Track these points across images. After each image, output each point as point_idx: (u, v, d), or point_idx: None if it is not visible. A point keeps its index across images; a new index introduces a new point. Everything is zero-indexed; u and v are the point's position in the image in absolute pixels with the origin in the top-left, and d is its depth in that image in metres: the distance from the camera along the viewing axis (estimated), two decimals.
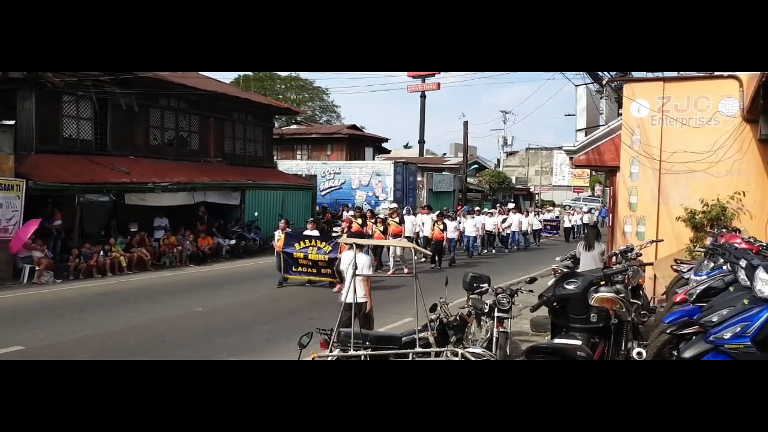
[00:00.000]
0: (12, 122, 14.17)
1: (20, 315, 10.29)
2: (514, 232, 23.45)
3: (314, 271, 12.91)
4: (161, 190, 17.25)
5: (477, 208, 23.68)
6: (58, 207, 15.27)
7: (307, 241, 13.02)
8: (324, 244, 12.76)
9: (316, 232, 13.77)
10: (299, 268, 13.07)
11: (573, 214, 31.17)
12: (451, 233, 18.89)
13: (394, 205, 18.97)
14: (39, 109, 15.70)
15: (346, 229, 13.30)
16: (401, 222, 17.12)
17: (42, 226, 14.27)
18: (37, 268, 13.62)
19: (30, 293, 12.38)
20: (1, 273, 13.51)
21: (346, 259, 7.96)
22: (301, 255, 12.85)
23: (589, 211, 34.27)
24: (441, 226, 17.48)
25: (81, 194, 15.04)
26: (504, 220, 23.04)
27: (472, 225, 20.38)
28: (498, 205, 29.55)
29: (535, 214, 27.91)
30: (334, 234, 14.29)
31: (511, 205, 27.93)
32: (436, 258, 16.99)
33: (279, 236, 13.67)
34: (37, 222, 13.96)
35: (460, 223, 20.22)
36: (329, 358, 5.58)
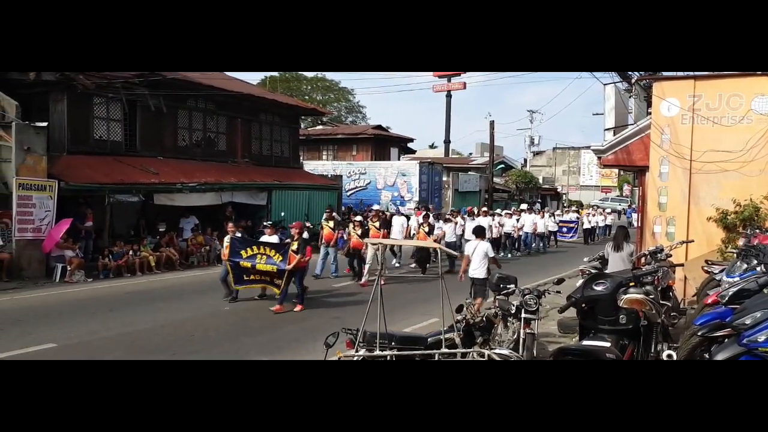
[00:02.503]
0: (45, 124, 14.45)
1: (53, 313, 10.49)
2: (527, 233, 22.11)
3: (267, 279, 11.17)
4: (189, 191, 17.45)
5: (484, 209, 21.99)
6: (89, 207, 15.54)
7: (255, 247, 11.28)
8: (274, 252, 11.04)
9: (274, 239, 11.92)
10: (251, 276, 11.26)
11: (594, 215, 29.38)
12: (449, 237, 17.20)
13: (377, 207, 17.00)
14: (71, 111, 15.99)
15: (296, 236, 11.36)
16: (384, 226, 15.52)
17: (73, 226, 14.54)
18: (68, 267, 13.88)
19: (62, 292, 12.61)
20: (35, 272, 13.80)
21: (470, 246, 10.16)
22: (249, 264, 11.05)
23: (614, 212, 32.97)
24: (426, 229, 15.88)
25: (111, 194, 15.29)
26: (517, 221, 21.69)
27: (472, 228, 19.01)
28: (526, 204, 28.77)
29: (550, 215, 26.13)
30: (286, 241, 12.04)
31: (524, 206, 25.97)
32: (431, 264, 15.25)
33: (227, 242, 11.66)
34: (69, 221, 14.22)
35: (456, 225, 18.50)
36: (355, 358, 5.60)
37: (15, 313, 10.40)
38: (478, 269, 9.71)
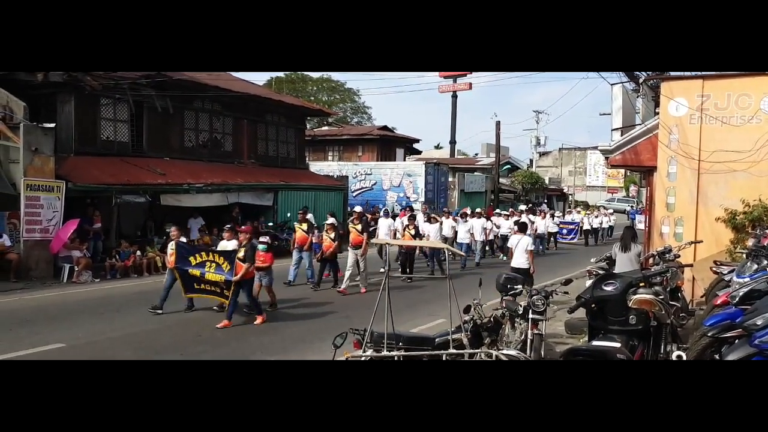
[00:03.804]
0: (52, 125, 14.51)
1: (60, 313, 10.52)
2: None
3: (218, 290, 10.08)
4: (196, 191, 17.50)
5: (478, 210, 20.80)
6: (96, 208, 15.60)
7: (204, 254, 10.33)
8: (222, 259, 9.98)
9: (233, 244, 10.50)
10: (201, 285, 10.23)
11: (597, 216, 28.55)
12: (434, 239, 16.18)
13: (358, 208, 15.14)
14: (78, 112, 16.06)
15: (244, 241, 10.12)
16: (366, 229, 13.95)
17: (81, 227, 14.59)
18: (76, 267, 13.92)
19: (69, 292, 12.65)
20: (42, 272, 13.85)
21: (513, 240, 11.26)
22: (198, 273, 10.08)
23: (616, 212, 32.23)
24: (412, 232, 14.78)
25: (118, 195, 15.34)
26: (516, 222, 21.09)
27: (464, 230, 17.83)
28: (524, 206, 28.31)
29: (551, 216, 25.04)
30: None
31: (522, 207, 24.86)
32: (411, 269, 14.60)
33: (171, 249, 10.69)
34: (76, 222, 14.27)
35: (442, 225, 17.43)
36: (362, 359, 5.58)
37: (23, 313, 10.44)
38: (520, 260, 10.82)
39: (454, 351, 5.79)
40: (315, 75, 54.15)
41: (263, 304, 10.53)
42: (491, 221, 20.37)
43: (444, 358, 5.75)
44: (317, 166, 29.59)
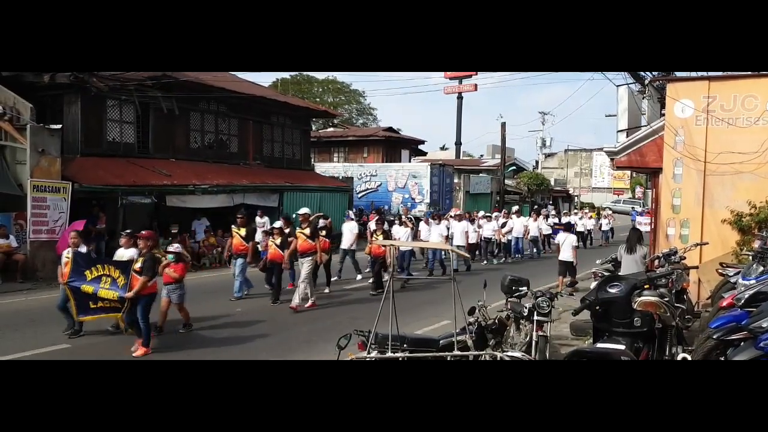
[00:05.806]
0: (59, 126, 14.57)
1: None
2: (517, 238, 20.12)
3: (119, 305, 8.46)
4: (201, 192, 17.54)
5: (463, 212, 19.71)
6: (102, 209, 15.66)
7: (100, 267, 8.73)
8: (118, 273, 8.53)
9: (131, 252, 8.87)
10: (99, 304, 8.59)
11: (591, 217, 27.55)
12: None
13: (305, 210, 12.54)
14: (84, 114, 16.14)
15: (145, 250, 8.53)
16: (315, 235, 11.68)
17: (87, 228, 14.63)
18: None
19: None
20: (49, 273, 13.85)
21: (561, 237, 13.81)
22: (91, 290, 8.50)
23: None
24: (380, 237, 13.39)
25: (124, 196, 15.39)
26: (504, 225, 19.93)
27: (437, 234, 16.05)
28: (516, 207, 27.61)
29: (544, 218, 23.84)
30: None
31: (515, 208, 23.51)
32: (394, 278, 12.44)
33: (66, 257, 8.90)
34: (82, 223, 14.28)
35: (411, 229, 15.68)
36: (367, 360, 5.58)
37: (29, 313, 10.48)
38: (567, 254, 13.29)
39: (459, 353, 5.79)
40: (320, 76, 54.34)
41: (177, 324, 9.34)
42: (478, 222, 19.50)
43: (448, 360, 5.75)
44: (322, 168, 29.63)
